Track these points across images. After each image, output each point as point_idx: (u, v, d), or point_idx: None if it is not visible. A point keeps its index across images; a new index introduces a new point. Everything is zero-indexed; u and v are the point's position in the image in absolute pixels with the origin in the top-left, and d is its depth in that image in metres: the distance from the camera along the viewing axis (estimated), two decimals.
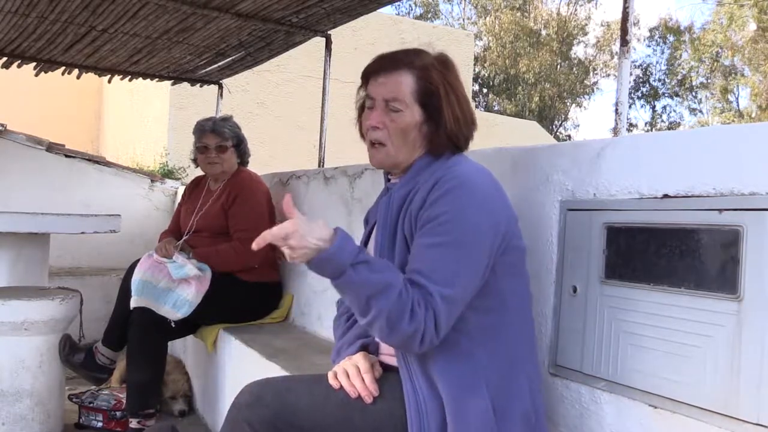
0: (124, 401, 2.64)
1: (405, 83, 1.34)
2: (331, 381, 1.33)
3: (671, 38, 21.74)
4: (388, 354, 1.41)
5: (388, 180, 1.48)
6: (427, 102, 1.34)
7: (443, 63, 1.38)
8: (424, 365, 1.27)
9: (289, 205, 1.19)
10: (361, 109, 1.44)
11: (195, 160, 3.02)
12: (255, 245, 1.16)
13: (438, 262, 1.20)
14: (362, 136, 1.45)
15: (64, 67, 4.17)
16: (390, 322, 1.16)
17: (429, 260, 1.21)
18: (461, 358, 1.25)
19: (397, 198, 1.35)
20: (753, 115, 18.83)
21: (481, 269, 1.24)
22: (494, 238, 1.25)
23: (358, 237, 1.71)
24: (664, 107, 22.60)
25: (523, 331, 1.34)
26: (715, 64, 20.19)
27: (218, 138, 2.89)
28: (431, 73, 1.35)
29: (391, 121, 1.35)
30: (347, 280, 1.17)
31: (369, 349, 1.44)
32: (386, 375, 1.37)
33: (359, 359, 1.35)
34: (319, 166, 3.55)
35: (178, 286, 2.62)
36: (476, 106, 18.73)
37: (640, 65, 22.27)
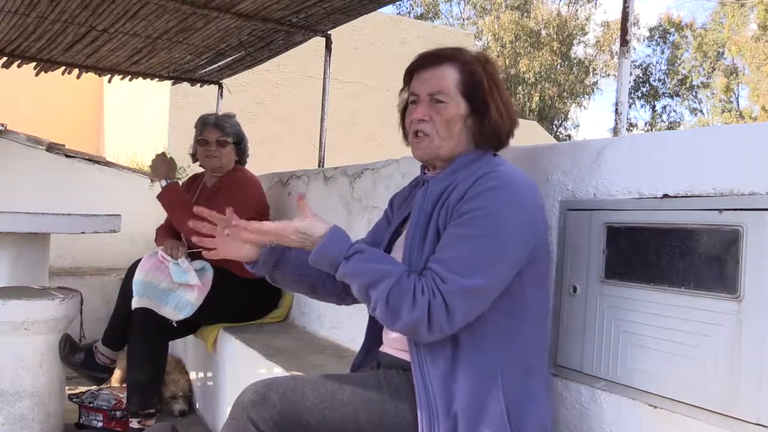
0: (124, 401, 2.65)
1: (449, 76, 1.36)
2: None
3: (672, 37, 21.69)
4: (398, 348, 1.41)
5: (424, 173, 1.48)
6: (472, 94, 1.36)
7: (485, 58, 1.41)
8: (436, 365, 1.26)
9: (302, 206, 1.35)
10: (404, 110, 1.46)
11: (194, 155, 3.02)
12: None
13: (466, 252, 1.21)
14: (405, 137, 1.48)
15: (64, 67, 4.15)
16: (390, 309, 1.19)
17: (456, 250, 1.22)
18: (477, 359, 1.25)
19: (435, 191, 1.36)
20: (753, 115, 18.80)
21: (510, 269, 1.24)
22: (527, 244, 1.26)
23: (359, 234, 1.71)
24: (664, 107, 22.56)
25: (540, 341, 1.34)
26: (717, 63, 20.17)
27: (220, 132, 2.91)
28: (475, 67, 1.37)
29: (437, 113, 1.36)
30: (342, 272, 1.25)
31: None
32: (393, 373, 1.37)
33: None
34: (319, 165, 3.55)
35: (180, 287, 2.62)
36: None
37: (640, 65, 22.24)
